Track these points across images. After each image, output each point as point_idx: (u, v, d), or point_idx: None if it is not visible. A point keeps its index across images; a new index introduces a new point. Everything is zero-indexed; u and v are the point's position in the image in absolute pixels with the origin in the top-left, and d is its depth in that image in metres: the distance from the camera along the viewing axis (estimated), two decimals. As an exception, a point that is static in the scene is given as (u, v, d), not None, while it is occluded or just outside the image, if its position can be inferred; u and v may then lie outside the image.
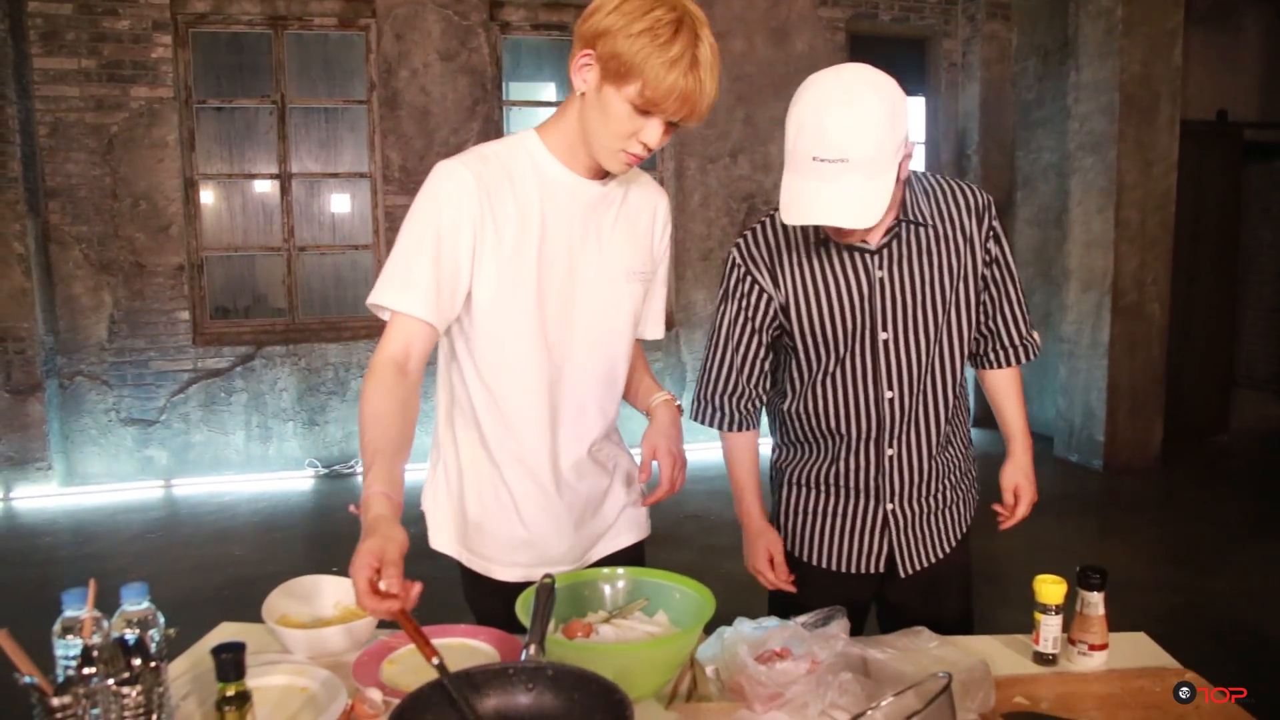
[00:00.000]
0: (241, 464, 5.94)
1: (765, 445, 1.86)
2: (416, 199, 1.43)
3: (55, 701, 1.07)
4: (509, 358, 1.50)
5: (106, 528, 4.98)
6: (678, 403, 1.68)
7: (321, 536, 4.96)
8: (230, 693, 1.13)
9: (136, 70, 5.55)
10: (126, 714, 1.10)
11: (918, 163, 7.16)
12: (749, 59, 6.26)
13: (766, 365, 1.72)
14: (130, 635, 1.16)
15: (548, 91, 9.11)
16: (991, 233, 1.64)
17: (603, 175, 1.51)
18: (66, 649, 1.20)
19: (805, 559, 1.78)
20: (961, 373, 1.70)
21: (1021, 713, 1.31)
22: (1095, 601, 1.47)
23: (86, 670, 1.09)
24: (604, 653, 1.31)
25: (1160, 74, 5.73)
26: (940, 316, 1.62)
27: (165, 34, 5.58)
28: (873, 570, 1.74)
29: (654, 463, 1.58)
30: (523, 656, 1.18)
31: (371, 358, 1.41)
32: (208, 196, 6.92)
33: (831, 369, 1.66)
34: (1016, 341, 1.74)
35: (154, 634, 1.26)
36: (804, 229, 1.62)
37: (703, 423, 1.77)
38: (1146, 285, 5.90)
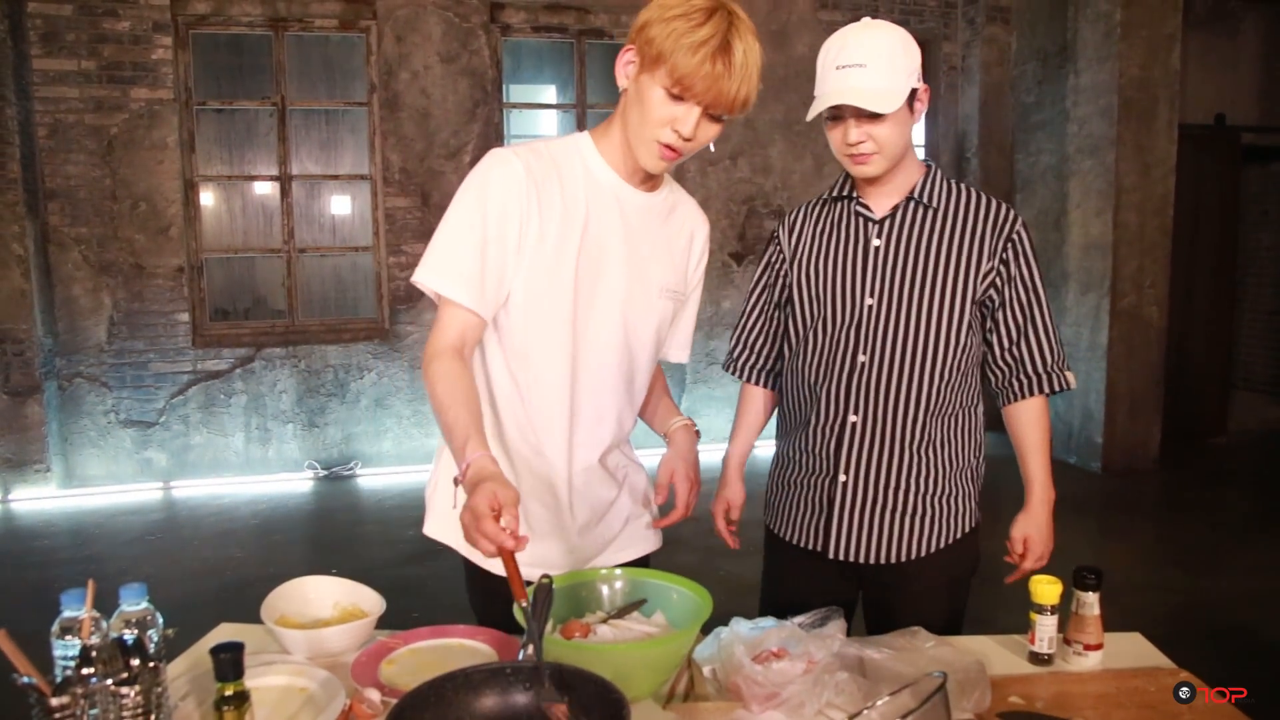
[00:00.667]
0: (241, 466, 5.95)
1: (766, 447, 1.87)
2: (466, 181, 1.46)
3: (54, 702, 1.07)
4: (536, 351, 1.51)
5: (105, 530, 4.98)
6: (696, 428, 1.70)
7: (321, 538, 4.96)
8: (229, 692, 1.13)
9: (136, 72, 5.56)
10: (125, 714, 1.11)
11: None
12: (748, 62, 6.23)
13: (774, 323, 1.84)
14: (129, 635, 1.16)
15: (548, 94, 9.13)
16: (1011, 244, 1.64)
17: (651, 185, 1.54)
18: (65, 649, 1.20)
19: (780, 533, 1.80)
20: (952, 375, 1.66)
21: (1016, 712, 1.32)
22: (1090, 602, 1.48)
23: (85, 670, 1.09)
24: (602, 653, 1.31)
25: (1159, 77, 5.75)
26: (928, 293, 1.63)
27: (165, 35, 5.59)
28: (815, 546, 1.73)
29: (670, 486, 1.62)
30: (520, 657, 1.18)
31: (428, 344, 1.44)
32: (208, 198, 6.93)
33: (818, 328, 1.71)
34: (1042, 371, 1.66)
35: (152, 634, 1.26)
36: (830, 197, 1.75)
37: (725, 369, 1.94)
38: (1145, 288, 5.91)
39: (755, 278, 1.86)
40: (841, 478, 1.69)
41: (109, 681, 1.09)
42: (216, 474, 5.89)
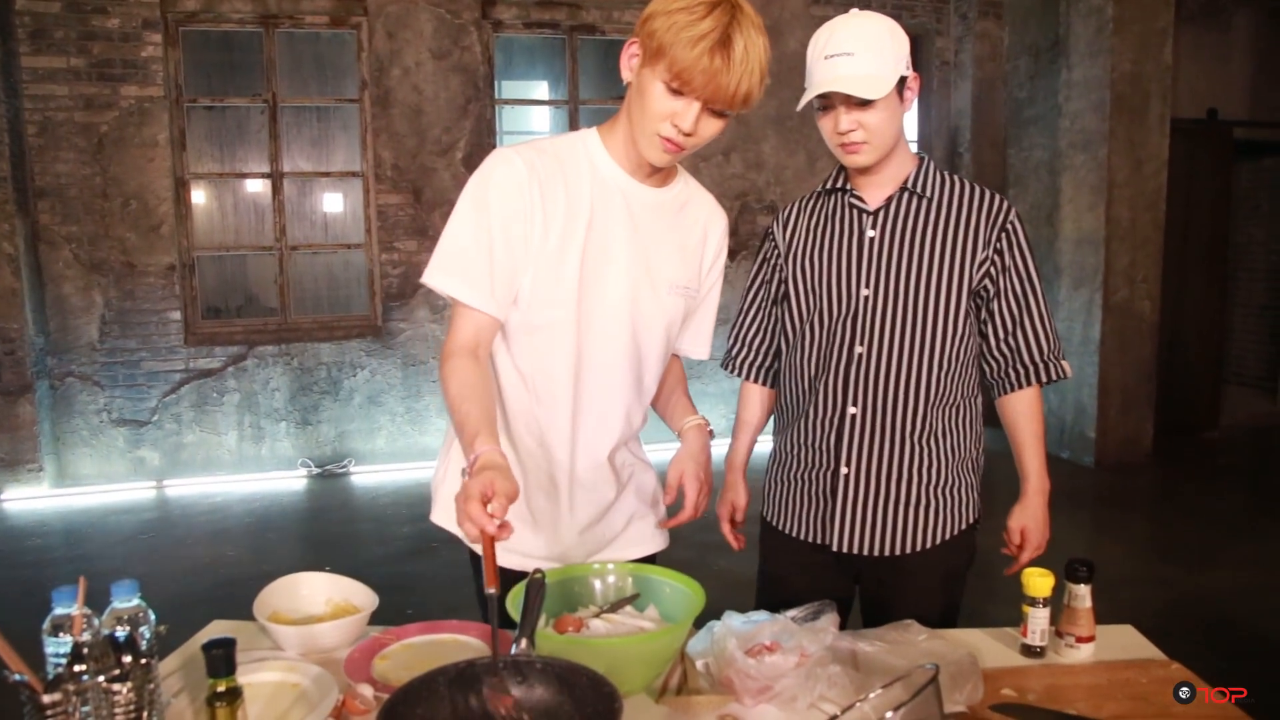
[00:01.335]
0: (234, 464, 5.93)
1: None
2: (470, 182, 1.46)
3: (46, 699, 1.07)
4: (540, 347, 1.51)
5: (98, 529, 4.97)
6: (710, 427, 1.68)
7: (314, 536, 4.95)
8: (221, 688, 1.13)
9: (126, 69, 5.54)
10: (117, 711, 1.10)
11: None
12: (741, 57, 6.22)
13: (772, 319, 1.83)
14: (121, 632, 1.16)
15: (540, 90, 9.10)
16: (1005, 234, 1.65)
17: (661, 180, 1.54)
18: (57, 647, 1.20)
19: (779, 527, 1.80)
20: (950, 365, 1.66)
21: (1009, 704, 1.32)
22: (1083, 594, 1.48)
23: (77, 668, 1.09)
24: (594, 647, 1.31)
25: (1151, 72, 5.76)
26: (924, 284, 1.64)
27: (155, 32, 5.57)
28: (818, 540, 1.73)
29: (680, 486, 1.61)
30: (513, 651, 1.18)
31: (445, 344, 1.46)
32: (199, 196, 6.89)
33: (814, 319, 1.71)
34: (1039, 360, 1.68)
35: (145, 631, 1.25)
36: (824, 190, 1.76)
37: (724, 368, 1.93)
38: (1137, 283, 5.92)
39: (751, 275, 1.86)
40: (843, 470, 1.69)
41: (101, 678, 1.09)
42: (209, 472, 5.87)
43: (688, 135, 1.39)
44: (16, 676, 1.07)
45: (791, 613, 1.43)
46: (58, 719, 1.08)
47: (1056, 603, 1.50)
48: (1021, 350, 1.69)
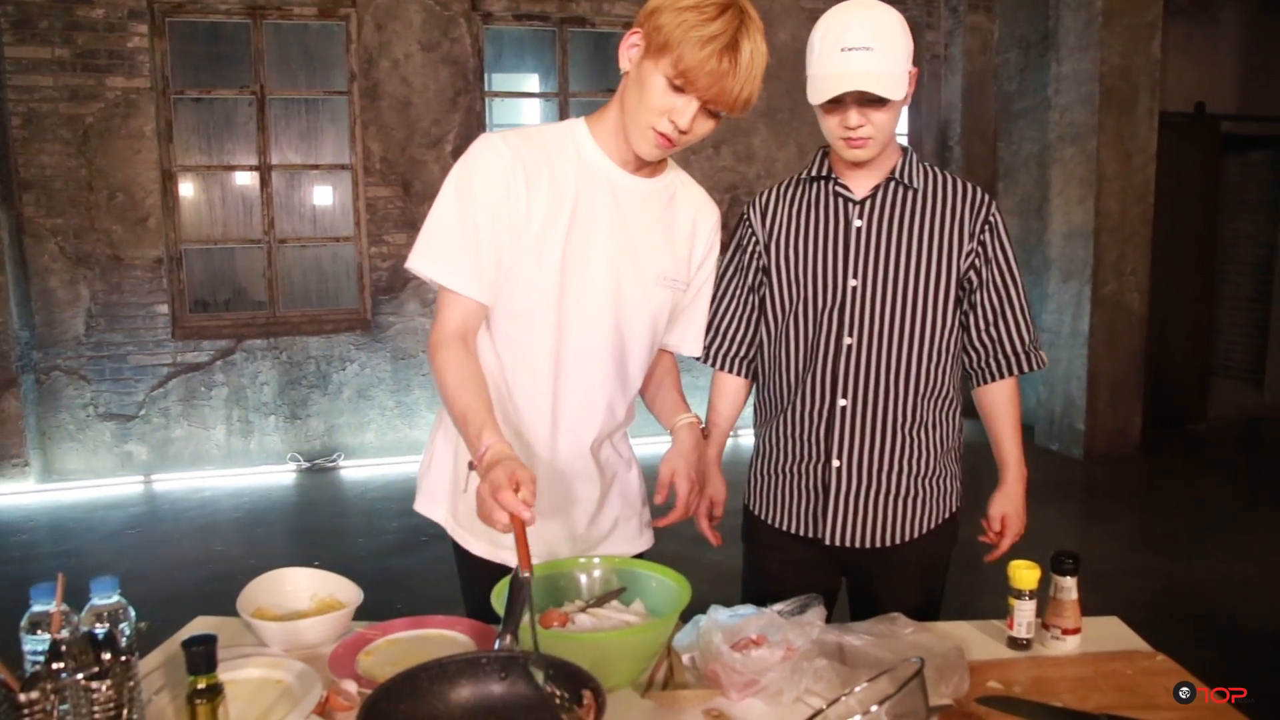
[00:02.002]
0: (222, 459, 5.90)
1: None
2: (455, 167, 1.46)
3: (22, 697, 1.06)
4: (520, 333, 1.50)
5: (85, 524, 4.94)
6: (702, 425, 1.66)
7: (304, 531, 4.94)
8: (201, 685, 1.12)
9: (112, 60, 5.49)
10: (96, 709, 1.09)
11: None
12: (731, 50, 6.20)
13: (748, 307, 1.78)
14: (100, 630, 1.15)
15: (530, 83, 9.08)
16: (988, 225, 1.65)
17: (650, 170, 1.52)
18: (35, 644, 1.19)
19: (765, 519, 1.78)
20: (939, 358, 1.67)
21: (995, 697, 1.32)
22: (1068, 586, 1.48)
23: (55, 665, 1.08)
24: (580, 642, 1.31)
25: (1139, 66, 5.77)
26: (912, 274, 1.63)
27: (141, 23, 5.52)
28: (809, 533, 1.72)
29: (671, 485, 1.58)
30: (496, 646, 1.17)
31: (432, 332, 1.45)
32: (186, 189, 6.85)
33: (801, 310, 1.69)
34: (1019, 350, 1.69)
35: (124, 628, 1.25)
36: (807, 178, 1.72)
37: (702, 360, 1.84)
38: (1126, 275, 5.94)
39: (725, 263, 1.79)
40: (835, 463, 1.68)
41: (80, 676, 1.07)
42: (198, 467, 5.85)
43: (682, 133, 1.39)
44: (-7, 675, 1.06)
45: (778, 606, 1.43)
46: (36, 718, 1.07)
47: (1042, 595, 1.50)
48: (1003, 341, 1.70)
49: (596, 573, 1.51)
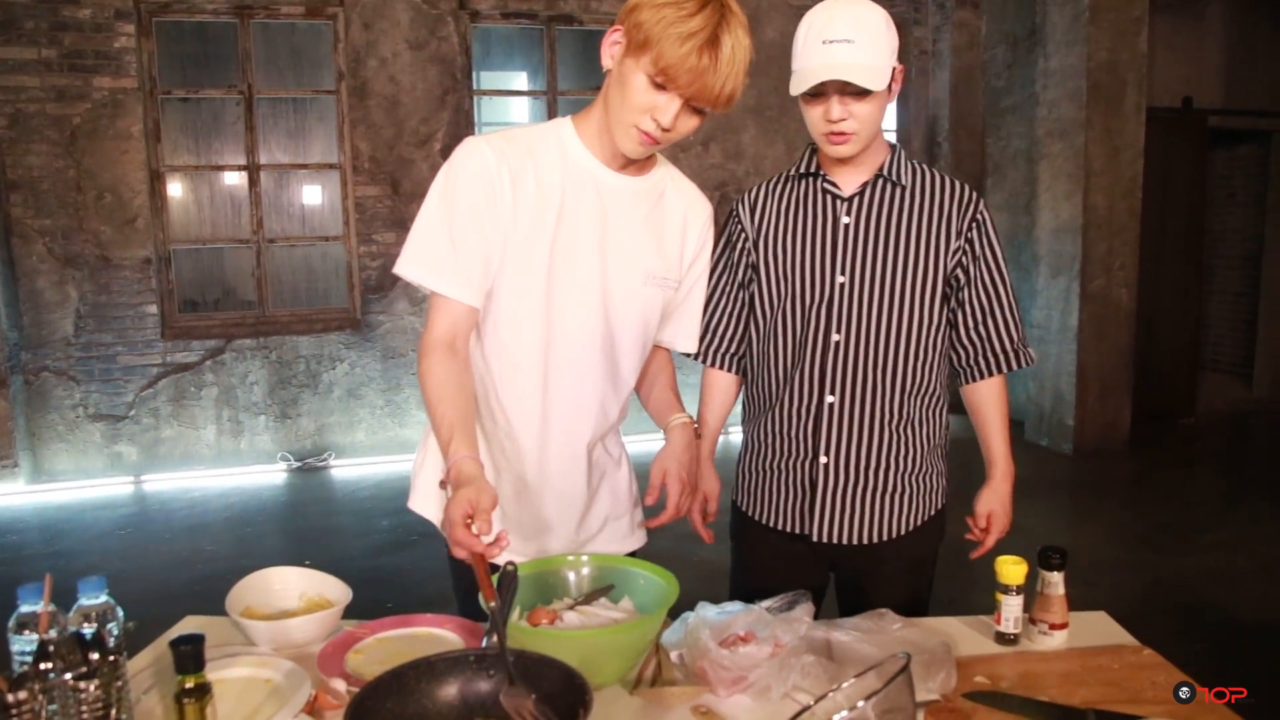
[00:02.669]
0: (212, 459, 5.89)
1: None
2: (440, 171, 1.46)
3: (10, 698, 1.05)
4: (508, 335, 1.50)
5: (75, 525, 4.92)
6: (695, 425, 1.65)
7: (294, 531, 4.93)
8: (189, 684, 1.12)
9: (99, 60, 5.46)
10: (85, 709, 1.09)
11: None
12: (720, 47, 6.20)
13: (738, 304, 1.77)
14: (88, 630, 1.15)
15: (519, 80, 9.07)
16: (976, 225, 1.65)
17: (637, 168, 1.51)
18: (23, 645, 1.18)
19: (753, 516, 1.79)
20: (927, 355, 1.68)
21: (982, 692, 1.32)
22: (1055, 581, 1.49)
23: (43, 665, 1.07)
24: (568, 639, 1.31)
25: (1126, 61, 5.79)
26: (900, 272, 1.63)
27: (128, 23, 5.49)
28: (797, 530, 1.73)
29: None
30: (484, 644, 1.17)
31: (422, 339, 1.45)
32: (175, 189, 6.83)
33: (789, 307, 1.69)
34: (1007, 348, 1.70)
35: (112, 628, 1.24)
36: (795, 174, 1.72)
37: (693, 358, 1.83)
38: (1114, 270, 5.96)
39: (714, 260, 1.77)
40: (822, 459, 1.69)
41: (68, 676, 1.07)
42: (188, 467, 5.83)
43: (665, 130, 1.38)
44: (-20, 676, 1.06)
45: (766, 603, 1.43)
46: (24, 718, 1.06)
47: (1030, 590, 1.51)
48: (990, 339, 1.70)
49: (585, 570, 1.51)
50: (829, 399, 1.67)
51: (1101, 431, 6.05)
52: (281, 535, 4.84)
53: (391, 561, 4.20)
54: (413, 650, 1.38)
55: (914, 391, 1.68)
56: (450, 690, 1.10)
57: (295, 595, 1.61)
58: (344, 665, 1.37)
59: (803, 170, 1.71)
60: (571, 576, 1.50)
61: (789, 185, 1.73)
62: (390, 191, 6.01)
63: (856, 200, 1.66)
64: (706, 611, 1.40)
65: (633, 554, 1.69)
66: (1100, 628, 1.57)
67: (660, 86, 1.34)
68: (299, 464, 5.97)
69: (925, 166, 1.70)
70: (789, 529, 1.74)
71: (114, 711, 1.11)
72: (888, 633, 1.42)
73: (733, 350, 1.81)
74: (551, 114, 6.41)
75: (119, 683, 1.13)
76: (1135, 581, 3.86)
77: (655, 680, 1.35)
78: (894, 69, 1.54)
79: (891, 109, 7.44)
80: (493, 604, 1.16)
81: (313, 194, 7.56)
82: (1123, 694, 1.33)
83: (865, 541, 1.71)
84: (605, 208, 1.50)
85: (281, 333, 5.96)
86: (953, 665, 1.33)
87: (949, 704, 1.29)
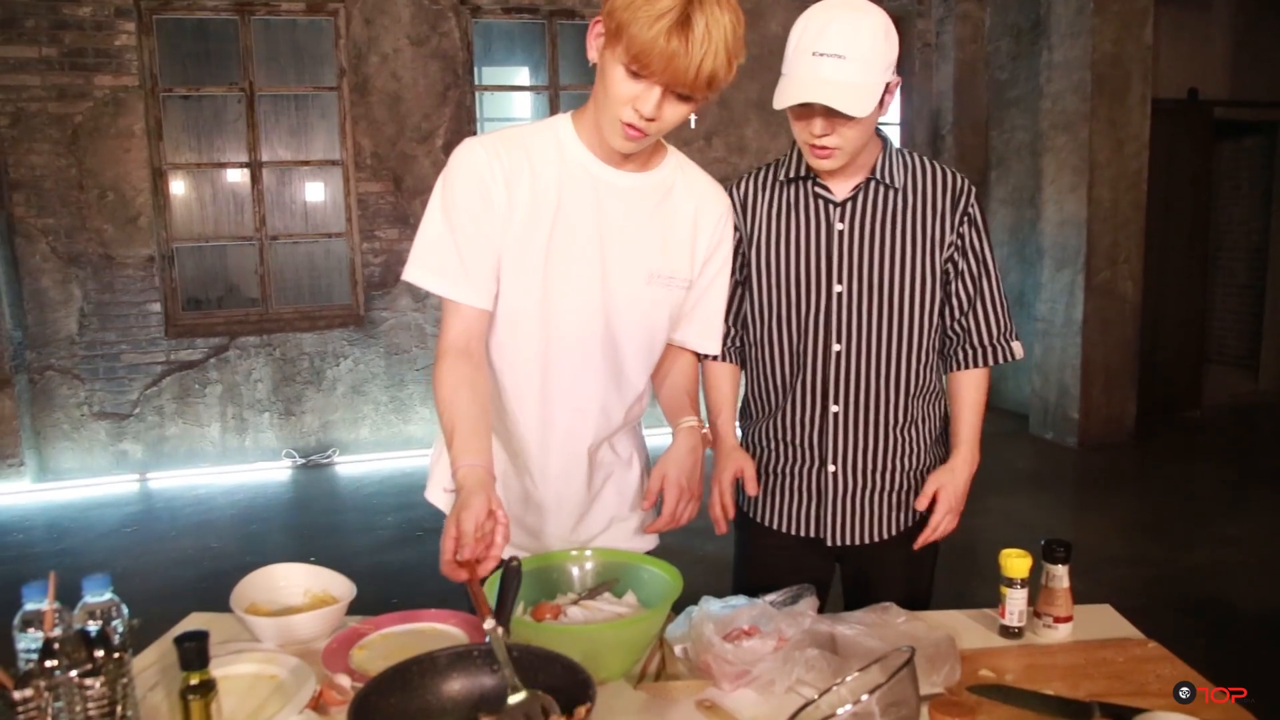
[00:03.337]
0: (217, 456, 5.90)
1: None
2: (440, 176, 1.45)
3: (16, 695, 1.06)
4: (507, 339, 1.49)
5: (81, 523, 4.94)
6: (704, 430, 1.60)
7: (299, 527, 4.93)
8: (194, 681, 1.12)
9: (100, 58, 5.46)
10: (90, 706, 1.09)
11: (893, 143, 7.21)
12: (722, 41, 6.19)
13: (734, 298, 1.71)
14: (93, 627, 1.15)
15: (520, 76, 9.06)
16: (966, 218, 1.63)
17: (640, 164, 1.48)
18: (28, 642, 1.18)
19: (759, 520, 1.78)
20: (928, 355, 1.67)
21: (987, 685, 1.32)
22: (1060, 574, 1.49)
23: (48, 663, 1.08)
24: (572, 634, 1.31)
25: (1131, 53, 5.77)
26: (898, 277, 1.62)
27: (129, 21, 5.49)
28: (810, 534, 1.72)
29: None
30: (488, 639, 1.17)
31: (437, 343, 1.44)
32: (177, 186, 6.84)
33: (785, 316, 1.66)
34: (989, 342, 1.67)
35: (117, 625, 1.24)
36: (786, 179, 1.66)
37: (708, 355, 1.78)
38: (1119, 263, 5.94)
39: None
40: (830, 468, 1.68)
41: (73, 673, 1.08)
42: (193, 465, 5.84)
43: (650, 120, 1.32)
44: (-13, 674, 1.06)
45: (770, 597, 1.43)
46: (29, 715, 1.07)
47: (1034, 583, 1.51)
48: (972, 332, 1.68)
49: (589, 565, 1.51)
50: (833, 409, 1.66)
51: (1106, 425, 6.04)
52: (286, 532, 4.85)
53: (396, 557, 4.20)
54: (417, 646, 1.38)
55: (916, 393, 1.68)
56: (455, 685, 1.10)
57: (300, 591, 1.61)
58: (349, 661, 1.37)
59: (792, 174, 1.65)
60: (575, 571, 1.50)
61: (779, 189, 1.67)
62: (393, 188, 6.01)
63: (850, 205, 1.62)
64: (710, 605, 1.40)
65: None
66: (1105, 621, 1.57)
67: (636, 75, 1.28)
68: (303, 461, 5.98)
69: (915, 157, 1.66)
70: (799, 533, 1.73)
71: (119, 709, 1.12)
72: (892, 626, 1.42)
73: (732, 343, 1.78)
74: (553, 109, 6.40)
75: (124, 680, 1.13)
76: (1139, 575, 3.85)
77: (659, 674, 1.35)
78: (890, 83, 1.47)
79: (894, 103, 7.44)
80: (488, 624, 1.13)
81: (315, 191, 7.56)
82: (1128, 687, 1.33)
83: (875, 540, 1.71)
84: (603, 206, 1.46)
85: (285, 330, 5.96)
86: (957, 659, 1.33)
87: (953, 697, 1.28)
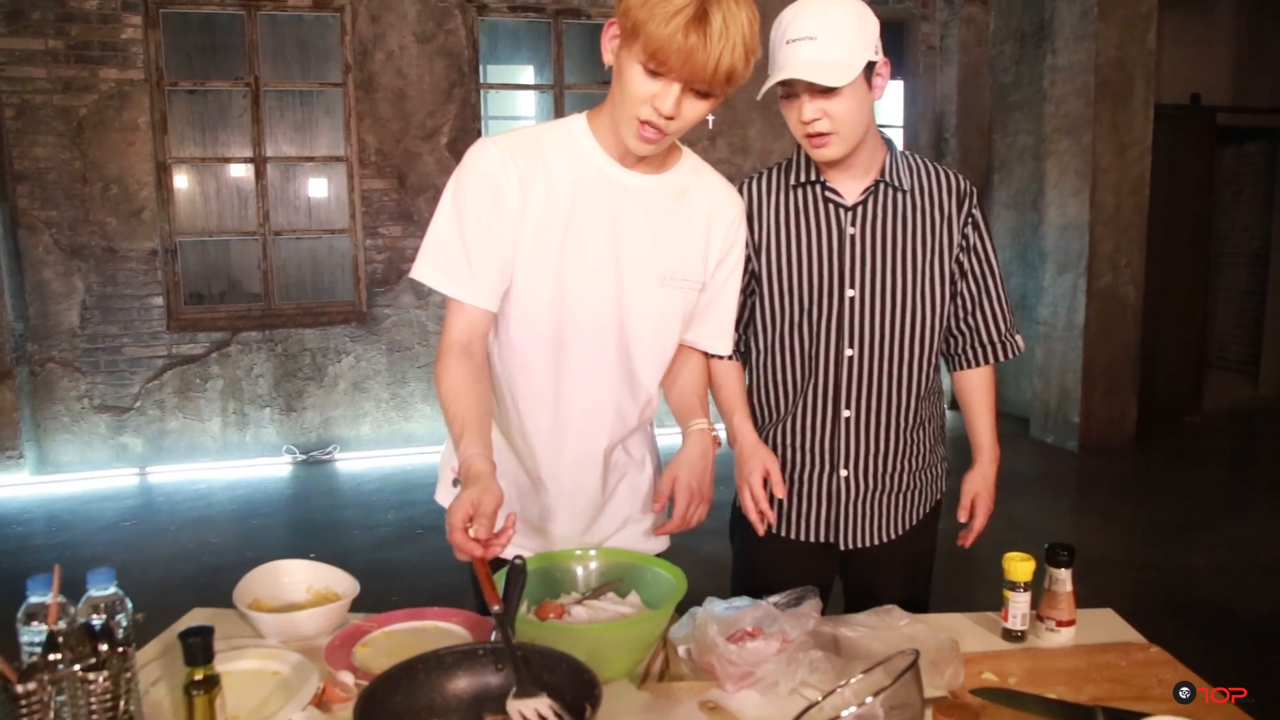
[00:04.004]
0: (218, 451, 5.90)
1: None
2: (452, 176, 1.44)
3: (19, 689, 1.06)
4: (519, 341, 1.48)
5: (80, 516, 4.94)
6: (715, 433, 1.58)
7: (299, 523, 4.93)
8: (198, 676, 1.12)
9: (105, 51, 5.46)
10: (93, 700, 1.09)
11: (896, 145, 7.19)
12: (727, 41, 6.18)
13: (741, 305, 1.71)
14: (96, 621, 1.15)
15: (526, 75, 9.04)
16: (970, 219, 1.64)
17: (655, 166, 1.47)
18: (31, 636, 1.19)
19: (775, 529, 1.75)
20: (934, 356, 1.69)
21: (990, 689, 1.32)
22: (1063, 578, 1.49)
23: (52, 656, 1.07)
24: (576, 634, 1.31)
25: (1135, 57, 5.77)
26: (909, 281, 1.62)
27: (135, 14, 5.50)
28: (823, 539, 1.72)
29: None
30: (493, 638, 1.17)
31: (440, 341, 1.45)
32: (181, 181, 6.82)
33: (797, 321, 1.66)
34: (996, 339, 1.70)
35: (121, 619, 1.24)
36: (795, 183, 1.65)
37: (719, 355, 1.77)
38: (1121, 267, 5.94)
39: None
40: (842, 472, 1.68)
41: (76, 667, 1.07)
42: (193, 459, 5.84)
43: (669, 119, 1.32)
44: (-10, 667, 1.06)
45: (774, 598, 1.43)
46: (32, 709, 1.06)
47: (1037, 587, 1.51)
48: (980, 329, 1.71)
49: (593, 564, 1.51)
50: (845, 413, 1.66)
51: (1107, 428, 6.04)
52: (286, 528, 4.85)
53: (396, 555, 4.20)
54: (420, 644, 1.39)
55: (925, 395, 1.70)
56: (460, 684, 1.10)
57: (303, 588, 1.61)
58: (351, 658, 1.37)
59: (802, 179, 1.65)
60: (579, 571, 1.50)
61: (788, 193, 1.66)
62: (397, 185, 6.01)
63: (860, 210, 1.62)
64: (714, 606, 1.40)
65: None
66: (1107, 625, 1.57)
67: (654, 73, 1.28)
68: (304, 457, 5.98)
69: (919, 160, 1.67)
70: (813, 539, 1.73)
71: (122, 703, 1.11)
72: (895, 629, 1.42)
73: (740, 348, 1.77)
74: (559, 108, 6.40)
75: (128, 674, 1.13)
76: (1140, 579, 3.85)
77: (663, 675, 1.35)
78: (874, 63, 1.48)
79: (899, 105, 7.44)
80: (496, 608, 1.14)
81: (319, 187, 7.55)
82: (1130, 691, 1.33)
83: (884, 540, 1.73)
84: (618, 207, 1.45)
85: (287, 325, 5.96)
86: (960, 661, 1.33)
87: (957, 700, 1.28)
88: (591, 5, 6.27)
